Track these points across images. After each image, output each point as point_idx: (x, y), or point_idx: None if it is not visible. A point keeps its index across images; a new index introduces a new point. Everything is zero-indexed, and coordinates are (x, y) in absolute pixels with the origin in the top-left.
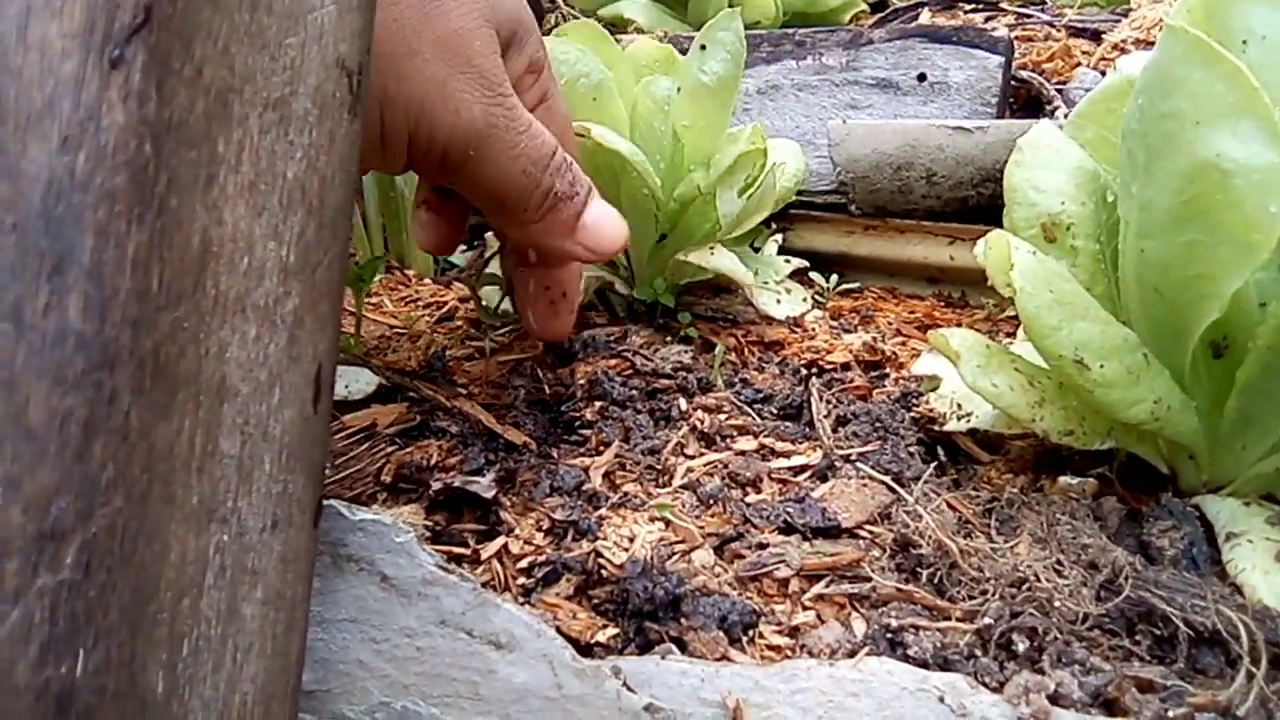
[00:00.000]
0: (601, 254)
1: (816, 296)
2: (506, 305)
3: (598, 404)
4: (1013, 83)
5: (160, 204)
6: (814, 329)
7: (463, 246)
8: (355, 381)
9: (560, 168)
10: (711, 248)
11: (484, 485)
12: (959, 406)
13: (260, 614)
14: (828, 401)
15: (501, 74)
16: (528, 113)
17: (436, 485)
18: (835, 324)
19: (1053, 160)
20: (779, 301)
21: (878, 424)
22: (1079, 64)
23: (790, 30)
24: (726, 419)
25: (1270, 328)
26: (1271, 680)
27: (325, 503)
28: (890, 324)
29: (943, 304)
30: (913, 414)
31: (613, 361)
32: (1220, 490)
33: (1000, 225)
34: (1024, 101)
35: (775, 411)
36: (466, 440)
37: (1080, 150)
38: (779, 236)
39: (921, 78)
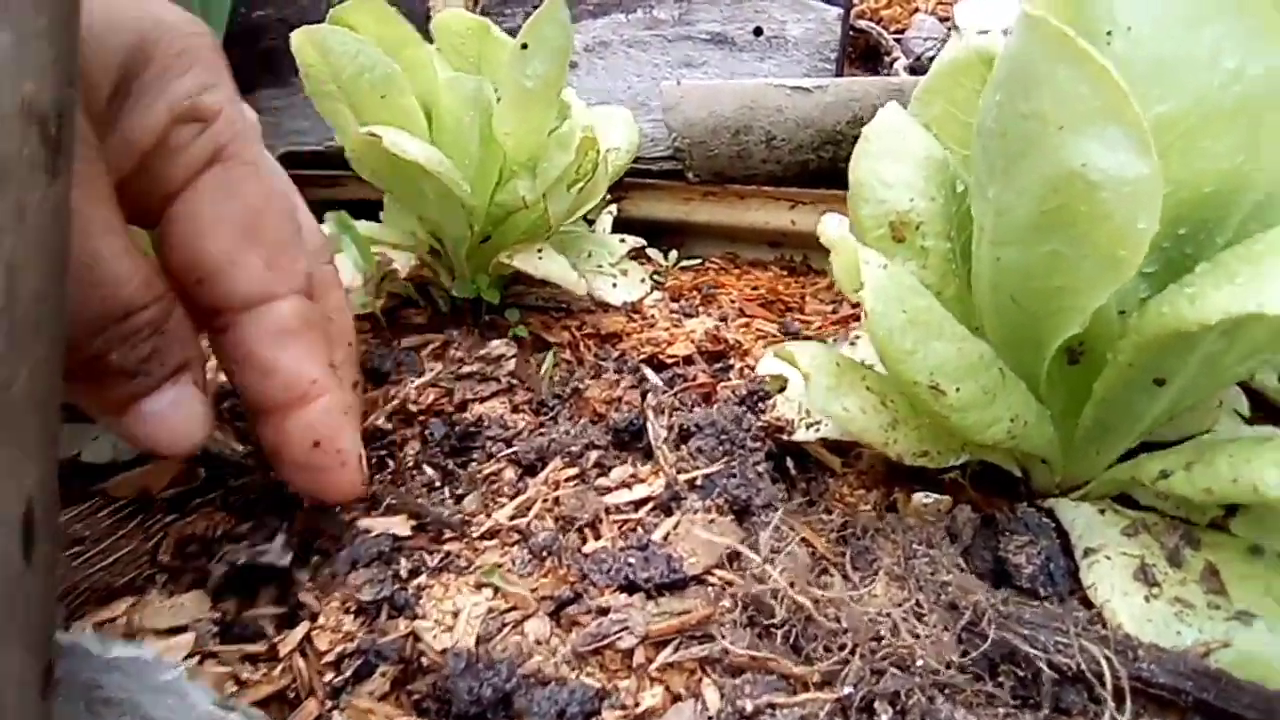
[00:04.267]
0: (155, 452)
1: (655, 276)
2: None
3: (412, 441)
4: (851, 33)
5: None
6: (653, 315)
7: None
8: (119, 441)
9: (129, 335)
10: (539, 250)
11: (275, 553)
12: (807, 414)
13: None
14: (670, 409)
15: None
16: (103, 231)
17: (221, 568)
18: (675, 307)
19: (900, 149)
20: (615, 285)
21: (723, 436)
22: (917, 9)
23: None
24: (558, 443)
25: (1132, 343)
26: (1136, 717)
27: (70, 639)
28: (733, 302)
29: (786, 272)
30: (760, 421)
31: (429, 380)
32: (1074, 492)
33: (842, 187)
34: (863, 50)
35: (612, 428)
36: (258, 499)
37: (928, 136)
38: (614, 208)
39: (758, 32)
